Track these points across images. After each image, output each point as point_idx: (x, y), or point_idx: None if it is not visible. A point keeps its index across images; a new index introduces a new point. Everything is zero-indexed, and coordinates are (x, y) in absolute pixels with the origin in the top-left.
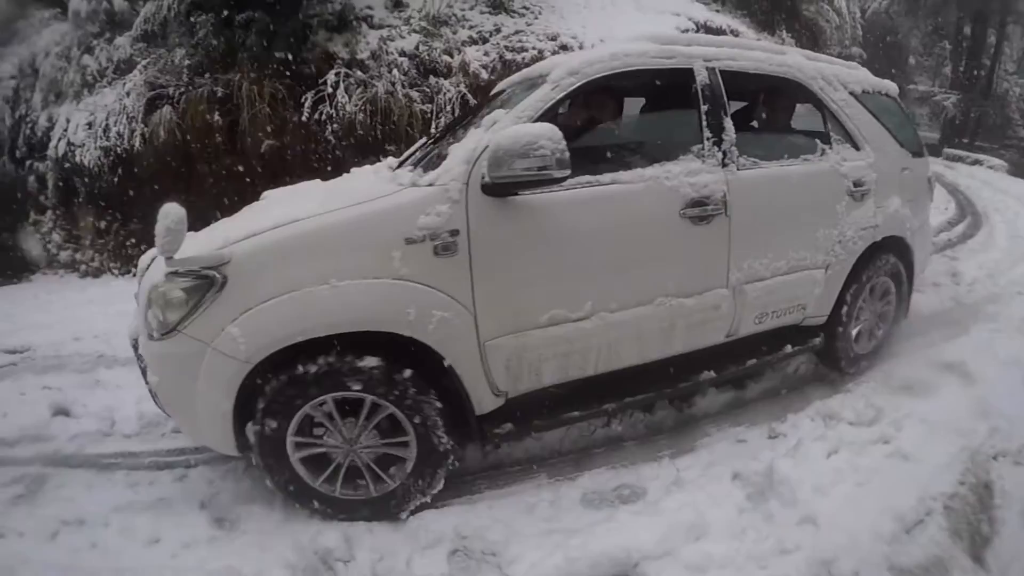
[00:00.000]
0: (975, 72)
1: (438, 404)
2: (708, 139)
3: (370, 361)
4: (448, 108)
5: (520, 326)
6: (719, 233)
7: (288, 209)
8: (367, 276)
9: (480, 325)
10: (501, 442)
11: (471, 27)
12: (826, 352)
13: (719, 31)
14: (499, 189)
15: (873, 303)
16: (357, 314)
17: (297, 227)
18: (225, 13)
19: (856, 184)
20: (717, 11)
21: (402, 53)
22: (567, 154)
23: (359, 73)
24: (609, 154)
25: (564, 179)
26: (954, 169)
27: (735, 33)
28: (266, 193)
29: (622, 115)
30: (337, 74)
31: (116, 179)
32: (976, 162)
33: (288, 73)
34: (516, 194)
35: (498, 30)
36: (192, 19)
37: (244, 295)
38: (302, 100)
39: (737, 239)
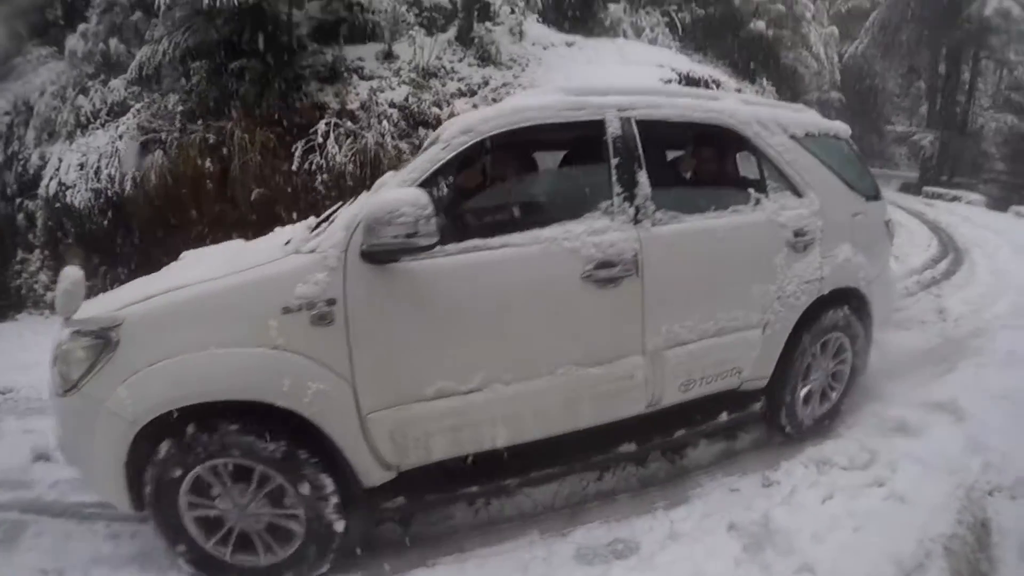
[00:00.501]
0: (951, 110)
1: (324, 476)
2: (618, 194)
3: (253, 429)
4: None
5: (404, 399)
6: (630, 296)
7: (188, 272)
8: (245, 345)
9: (360, 397)
10: (392, 518)
11: (460, 79)
12: (770, 417)
13: (701, 81)
14: (376, 257)
15: (825, 360)
16: (233, 383)
17: (185, 292)
18: (219, 61)
19: (797, 234)
20: (699, 61)
21: (392, 104)
22: (432, 221)
23: (349, 123)
24: (502, 215)
25: (431, 247)
26: (934, 207)
27: (716, 82)
28: (185, 253)
29: (528, 172)
30: (328, 124)
31: (106, 222)
32: (955, 199)
33: (280, 122)
34: (397, 261)
35: (486, 83)
36: (186, 65)
37: (133, 357)
38: (292, 149)
39: (652, 302)
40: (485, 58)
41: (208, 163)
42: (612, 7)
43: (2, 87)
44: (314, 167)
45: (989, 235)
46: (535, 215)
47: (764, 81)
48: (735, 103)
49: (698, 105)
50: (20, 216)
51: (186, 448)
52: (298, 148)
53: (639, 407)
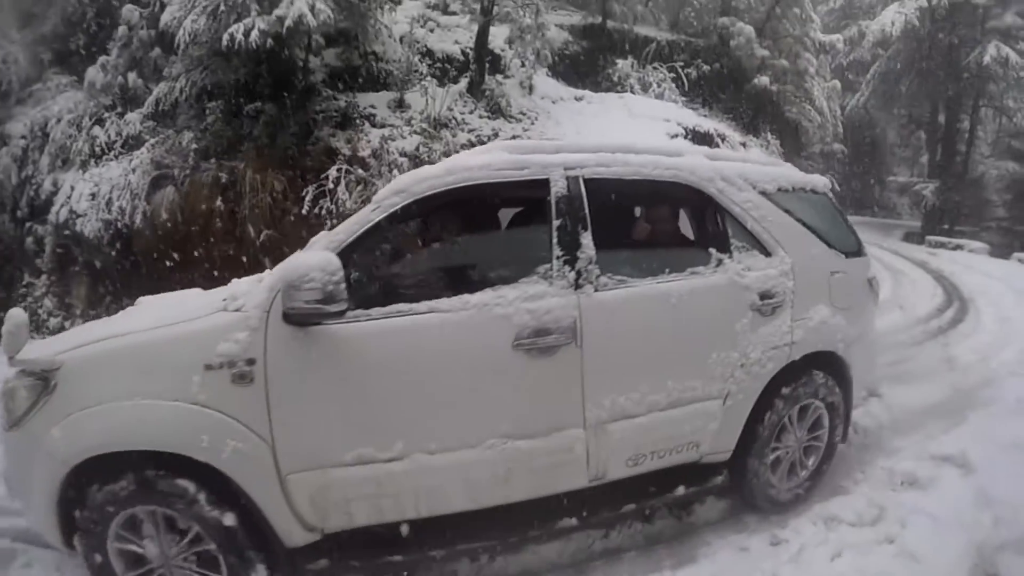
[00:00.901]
0: (952, 158)
1: (243, 532)
2: (558, 257)
3: (174, 481)
4: None
5: (323, 463)
6: (568, 366)
7: (131, 320)
8: (169, 398)
9: (279, 458)
10: None
11: (470, 131)
12: (738, 491)
13: (707, 135)
14: (295, 319)
15: (799, 429)
16: (155, 434)
17: (120, 341)
18: (235, 102)
19: (764, 296)
20: (705, 116)
21: (403, 153)
22: (341, 287)
23: (360, 171)
24: (432, 279)
25: (340, 313)
26: (937, 256)
27: (722, 136)
28: (140, 299)
29: (466, 234)
30: (339, 170)
31: (114, 252)
32: (957, 247)
33: (292, 165)
34: (319, 323)
35: (496, 134)
36: (202, 104)
37: (69, 400)
38: (303, 193)
39: (593, 372)
40: (495, 110)
41: (219, 202)
42: (620, 63)
43: (20, 112)
44: (324, 212)
45: (993, 283)
46: (467, 279)
47: (768, 135)
48: (698, 159)
49: (655, 162)
50: (29, 240)
51: (112, 493)
52: (309, 192)
53: (580, 481)
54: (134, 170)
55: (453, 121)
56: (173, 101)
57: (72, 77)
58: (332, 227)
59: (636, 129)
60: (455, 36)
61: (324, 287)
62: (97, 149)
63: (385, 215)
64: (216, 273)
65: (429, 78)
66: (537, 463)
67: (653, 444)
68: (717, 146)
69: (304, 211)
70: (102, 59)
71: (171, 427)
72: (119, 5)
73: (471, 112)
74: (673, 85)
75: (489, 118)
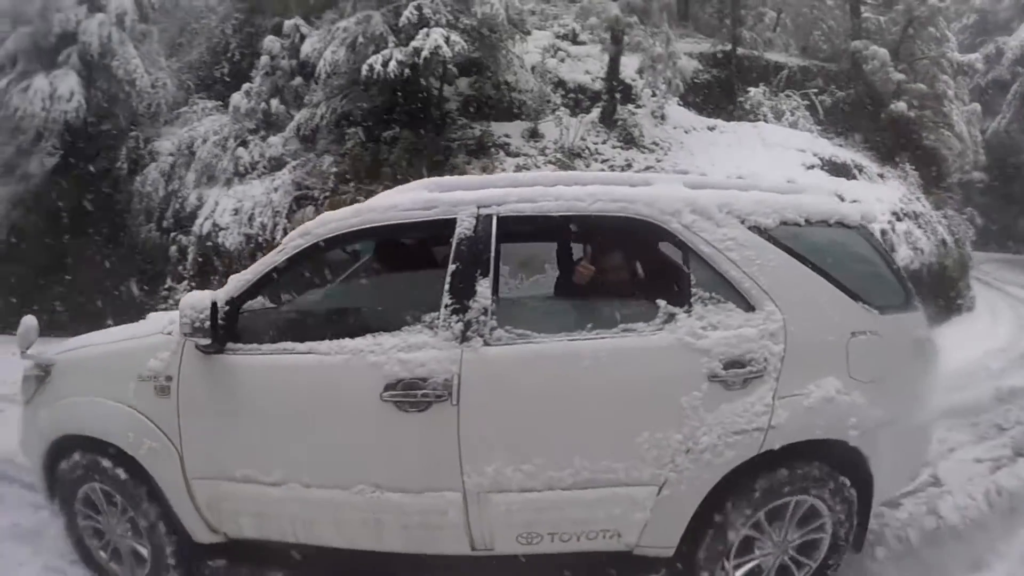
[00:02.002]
0: None
1: (161, 520)
2: (447, 306)
3: (108, 464)
4: None
5: (217, 475)
6: (443, 425)
7: (113, 332)
8: (111, 399)
9: (186, 463)
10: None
11: (603, 160)
12: None
13: (843, 166)
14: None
15: (785, 531)
16: (98, 426)
17: (93, 349)
18: (373, 128)
19: (731, 364)
20: (840, 145)
21: None
22: (207, 323)
23: None
24: (320, 320)
25: (209, 347)
26: None
27: (859, 167)
28: (151, 314)
29: (369, 275)
30: None
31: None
32: None
33: None
34: (221, 352)
35: (629, 165)
36: (342, 129)
37: (53, 391)
38: None
39: (472, 435)
40: (628, 140)
41: None
42: (752, 91)
43: (168, 132)
44: None
45: None
46: (353, 323)
47: (906, 165)
48: (666, 188)
49: (597, 193)
50: (173, 248)
51: (76, 468)
52: None
53: (462, 548)
54: (276, 189)
55: (586, 151)
56: (314, 127)
57: (217, 102)
58: None
59: (770, 160)
60: (586, 66)
61: (192, 323)
62: (241, 168)
63: (286, 257)
64: None
65: (562, 108)
66: (410, 519)
67: (552, 525)
68: (854, 178)
69: None
70: (246, 86)
71: (109, 422)
72: (259, 35)
73: (604, 142)
74: (807, 113)
75: (622, 148)
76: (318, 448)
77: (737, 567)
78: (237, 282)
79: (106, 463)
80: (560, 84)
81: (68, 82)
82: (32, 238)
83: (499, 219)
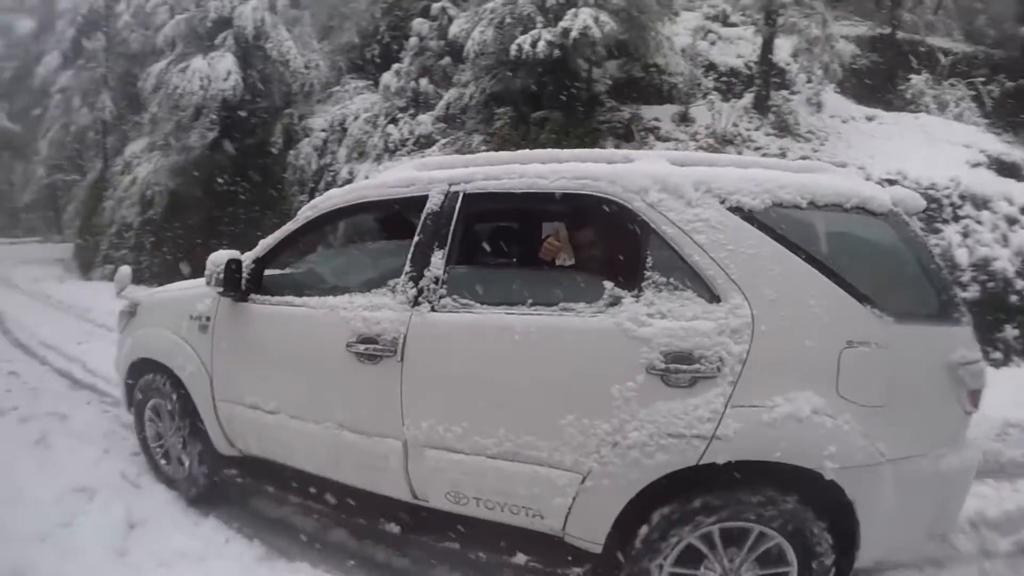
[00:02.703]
0: None
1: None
2: (406, 273)
3: (167, 383)
4: None
5: (234, 399)
6: (390, 378)
7: (183, 283)
8: (172, 331)
9: (214, 387)
10: (227, 481)
11: (755, 148)
12: None
13: (1013, 166)
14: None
15: (740, 562)
16: (160, 352)
17: (163, 294)
18: (522, 108)
19: (676, 359)
20: (1009, 142)
21: None
22: (221, 276)
23: None
24: (316, 279)
25: (224, 294)
26: None
27: None
28: None
29: (359, 243)
30: None
31: None
32: None
33: None
34: (244, 300)
35: (783, 154)
36: (490, 109)
37: (136, 325)
38: None
39: (411, 391)
40: (782, 128)
41: None
42: (914, 79)
43: (321, 109)
44: None
45: None
46: (338, 283)
47: None
48: (648, 163)
49: (560, 171)
50: None
51: (146, 385)
52: None
53: (403, 494)
54: None
55: (739, 137)
56: (462, 106)
57: (368, 81)
58: None
59: (933, 155)
60: (737, 49)
61: (211, 276)
62: (390, 145)
63: (298, 226)
64: None
65: (713, 92)
66: (362, 459)
67: (476, 490)
68: None
69: None
70: (396, 66)
71: (168, 349)
72: (407, 18)
73: (757, 129)
74: (972, 104)
75: (776, 136)
76: (301, 386)
77: None
78: (262, 245)
79: (165, 382)
80: (711, 67)
81: (225, 63)
82: (191, 204)
83: (465, 196)
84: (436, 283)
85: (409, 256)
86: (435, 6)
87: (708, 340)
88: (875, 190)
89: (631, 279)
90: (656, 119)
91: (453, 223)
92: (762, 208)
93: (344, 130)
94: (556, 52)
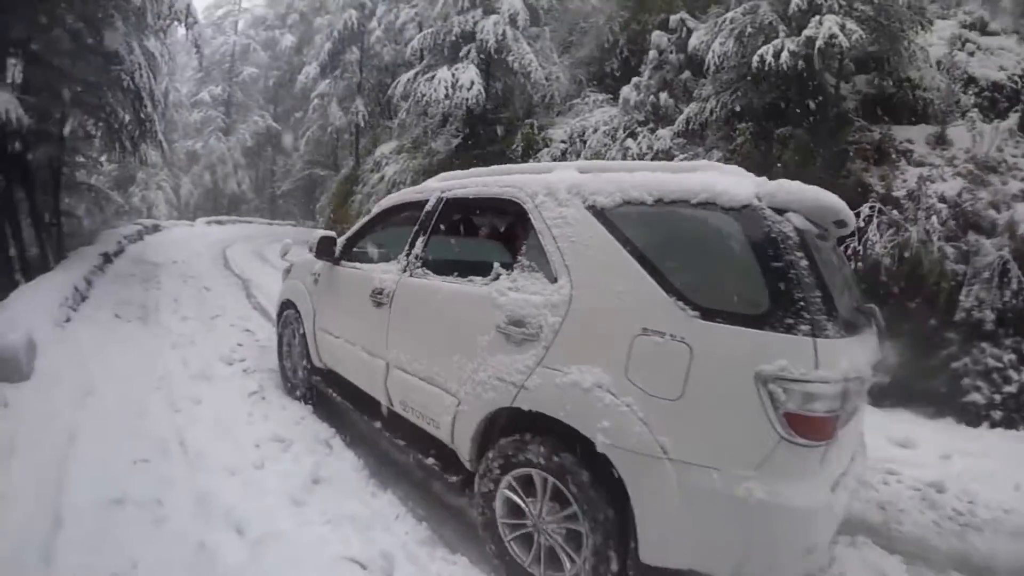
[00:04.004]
0: None
1: (303, 346)
2: (405, 253)
3: (293, 314)
4: (987, 274)
5: (323, 328)
6: (384, 318)
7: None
8: (302, 283)
9: (316, 320)
10: (314, 387)
11: (1023, 178)
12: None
13: None
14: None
15: (540, 506)
16: (293, 295)
17: (302, 258)
18: (764, 125)
19: (514, 322)
20: None
21: (942, 199)
22: (320, 247)
23: (895, 212)
24: (370, 253)
25: (322, 259)
26: None
27: None
28: None
29: (398, 230)
30: (872, 208)
31: None
32: None
33: None
34: (336, 264)
35: None
36: (731, 125)
37: (289, 277)
38: None
39: (392, 328)
40: None
41: None
42: None
43: (561, 121)
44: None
45: None
46: (379, 256)
47: None
48: (561, 172)
49: (496, 180)
50: None
51: (286, 315)
52: None
53: (384, 400)
54: None
55: (1003, 164)
56: (702, 121)
57: (607, 95)
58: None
59: None
60: (999, 60)
61: (311, 246)
62: (629, 158)
63: (368, 218)
64: None
65: (973, 110)
66: (369, 372)
67: (411, 401)
68: None
69: None
70: (635, 80)
71: (297, 294)
72: (644, 32)
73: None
74: None
75: None
76: (349, 320)
77: (512, 528)
78: (350, 230)
79: (296, 316)
80: (970, 81)
81: (468, 73)
82: None
83: (445, 201)
84: (416, 259)
85: (409, 240)
86: (673, 18)
87: (536, 311)
88: (733, 187)
89: (511, 260)
90: (909, 140)
91: (435, 219)
92: (612, 205)
93: (583, 142)
94: (800, 64)
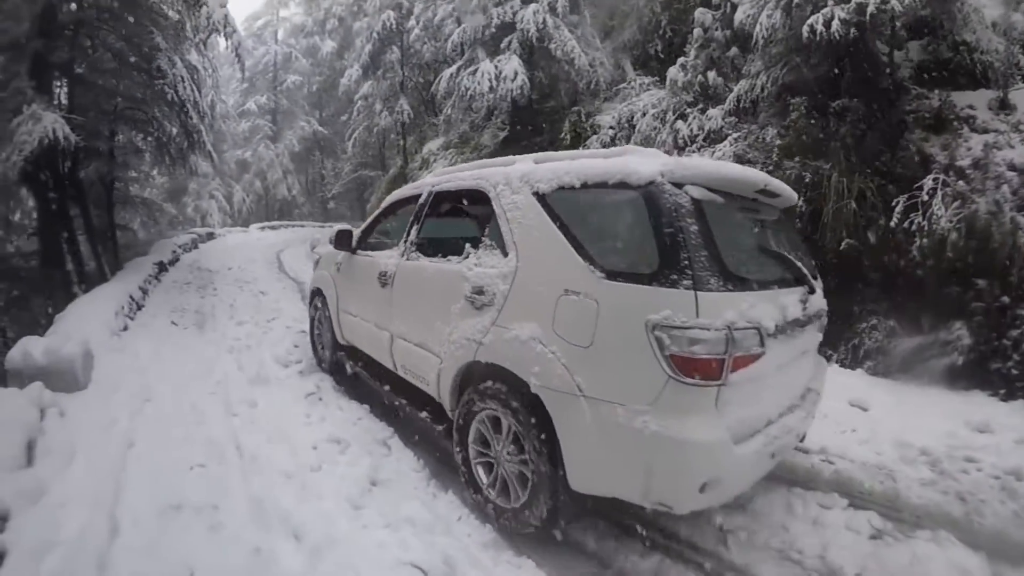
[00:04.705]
0: None
1: (328, 325)
2: (403, 239)
3: (321, 300)
4: None
5: (344, 309)
6: (387, 296)
7: None
8: (327, 271)
9: (339, 303)
10: (341, 360)
11: None
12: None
13: None
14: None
15: (502, 443)
16: (319, 282)
17: (327, 250)
18: (819, 98)
19: (476, 291)
20: None
21: (1011, 166)
22: (335, 239)
23: (961, 183)
24: (378, 241)
25: (341, 250)
26: None
27: None
28: None
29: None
30: (936, 180)
31: None
32: None
33: (880, 170)
34: (353, 253)
35: None
36: (784, 101)
37: (318, 266)
38: (893, 203)
39: (394, 304)
40: None
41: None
42: None
43: (608, 107)
44: (913, 227)
45: None
46: (387, 244)
47: None
48: (520, 164)
49: (468, 174)
50: None
51: (315, 301)
52: (899, 203)
53: (390, 365)
54: None
55: None
56: (753, 99)
57: (653, 78)
58: (920, 247)
59: None
60: None
61: (331, 239)
62: (680, 141)
63: (377, 212)
64: None
65: None
66: (378, 343)
67: (409, 364)
68: None
69: (892, 223)
70: (681, 60)
71: (323, 281)
72: (687, 11)
73: None
74: None
75: None
76: (364, 301)
77: (479, 456)
78: (364, 223)
79: (322, 301)
80: None
81: (511, 64)
82: None
83: (434, 193)
84: (411, 244)
85: (407, 228)
86: None
87: (491, 281)
88: (642, 166)
89: (479, 240)
90: (970, 107)
91: (426, 209)
92: (550, 191)
93: (632, 127)
94: (852, 32)
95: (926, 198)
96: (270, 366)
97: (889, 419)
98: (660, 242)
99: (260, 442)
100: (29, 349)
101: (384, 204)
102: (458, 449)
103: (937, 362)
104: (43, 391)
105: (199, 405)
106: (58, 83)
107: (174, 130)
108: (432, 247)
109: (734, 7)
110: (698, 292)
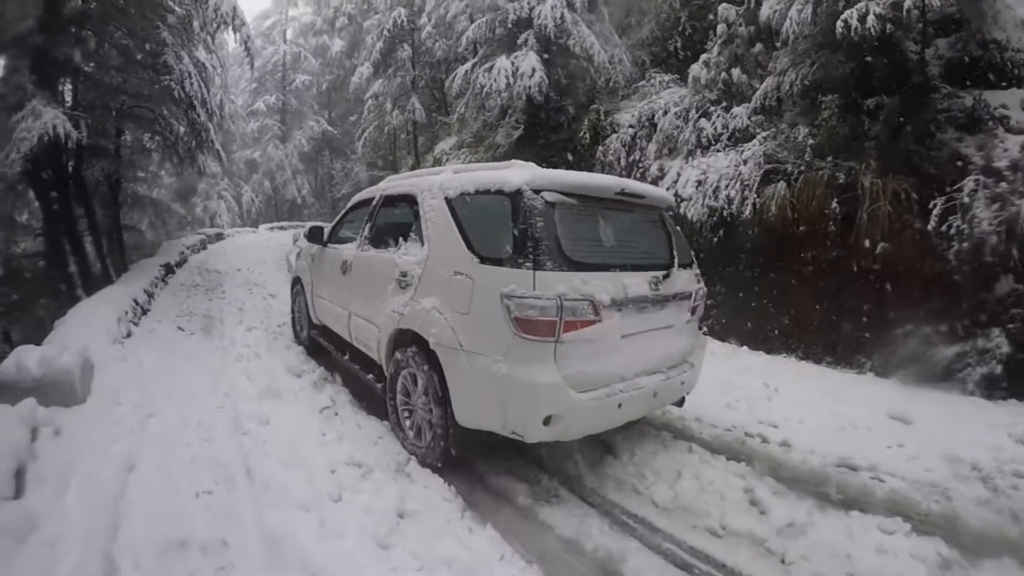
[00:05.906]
0: None
1: (304, 306)
2: (360, 234)
3: (300, 288)
4: None
5: (318, 294)
6: (347, 282)
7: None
8: (305, 262)
9: (314, 289)
10: (313, 338)
11: None
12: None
13: None
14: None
15: (419, 395)
16: (298, 271)
17: (306, 243)
18: (851, 96)
19: (402, 274)
20: None
21: None
22: (307, 232)
23: (1003, 185)
24: (344, 235)
25: (315, 243)
26: None
27: None
28: None
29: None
30: (977, 181)
31: (716, 239)
32: None
33: (915, 171)
34: (324, 246)
35: None
36: (812, 98)
37: (300, 258)
38: (930, 206)
39: (351, 287)
40: None
41: (834, 203)
42: None
43: (628, 105)
44: (953, 231)
45: None
46: (349, 239)
47: None
48: (429, 177)
49: (408, 182)
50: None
51: (296, 289)
52: (937, 205)
53: (348, 338)
54: (745, 162)
55: None
56: (779, 96)
57: (674, 75)
58: (957, 251)
59: None
60: None
61: (304, 233)
62: (703, 140)
63: (347, 208)
64: (819, 278)
65: None
66: (339, 321)
67: (360, 335)
68: None
69: (930, 226)
70: (704, 57)
71: (301, 270)
72: (707, 7)
73: None
74: None
75: None
76: (332, 286)
77: (403, 404)
78: (333, 220)
79: (301, 288)
80: None
81: (528, 60)
82: None
83: (383, 197)
84: (365, 238)
85: (363, 225)
86: None
87: (412, 266)
88: (513, 177)
89: (408, 235)
90: (1003, 106)
91: (377, 210)
92: (455, 196)
93: (653, 125)
94: (888, 27)
95: (966, 200)
96: (281, 377)
97: (934, 432)
98: (515, 234)
99: (273, 466)
100: (23, 360)
101: (349, 204)
102: (389, 397)
103: (974, 371)
104: (36, 408)
105: (206, 421)
106: (62, 80)
107: (182, 128)
108: (379, 240)
109: (759, 3)
110: (536, 271)
